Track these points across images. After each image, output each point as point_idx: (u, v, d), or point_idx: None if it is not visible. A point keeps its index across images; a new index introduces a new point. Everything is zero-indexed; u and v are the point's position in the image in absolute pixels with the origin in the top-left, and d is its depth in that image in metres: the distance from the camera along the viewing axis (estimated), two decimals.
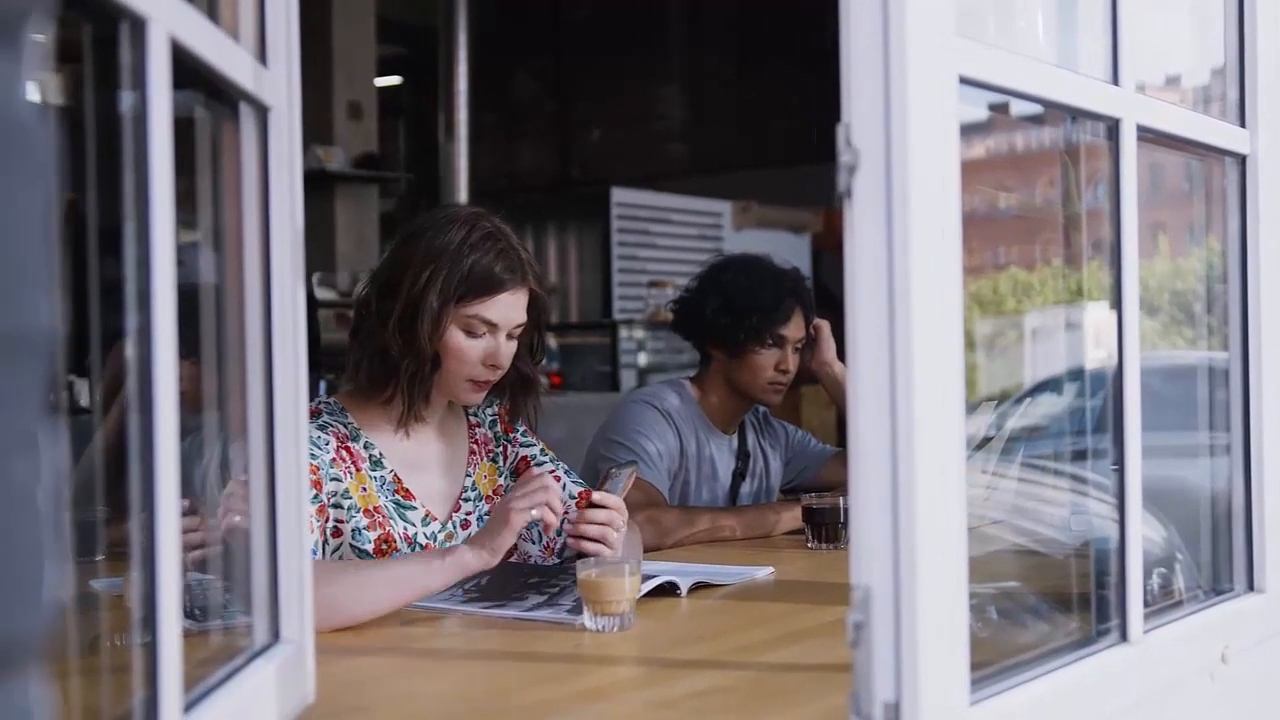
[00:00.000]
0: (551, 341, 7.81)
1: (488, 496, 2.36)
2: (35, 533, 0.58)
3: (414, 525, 2.22)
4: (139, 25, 1.00)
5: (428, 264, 2.17)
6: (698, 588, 2.17)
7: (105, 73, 1.04)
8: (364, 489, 2.18)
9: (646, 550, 2.67)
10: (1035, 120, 1.75)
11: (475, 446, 2.38)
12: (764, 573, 2.35)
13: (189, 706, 1.10)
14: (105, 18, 0.99)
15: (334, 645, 1.73)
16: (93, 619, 1.37)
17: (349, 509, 2.15)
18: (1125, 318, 1.53)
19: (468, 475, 2.35)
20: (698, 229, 8.44)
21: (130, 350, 1.02)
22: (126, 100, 1.03)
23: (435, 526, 2.26)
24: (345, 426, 2.22)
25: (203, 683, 1.19)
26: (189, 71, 1.12)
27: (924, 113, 1.18)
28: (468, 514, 2.32)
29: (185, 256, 1.10)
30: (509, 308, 2.21)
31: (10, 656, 0.57)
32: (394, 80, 10.16)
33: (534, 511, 2.00)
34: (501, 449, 2.42)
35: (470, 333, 2.19)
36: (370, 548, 2.15)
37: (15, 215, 0.57)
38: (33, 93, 0.60)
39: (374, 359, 2.21)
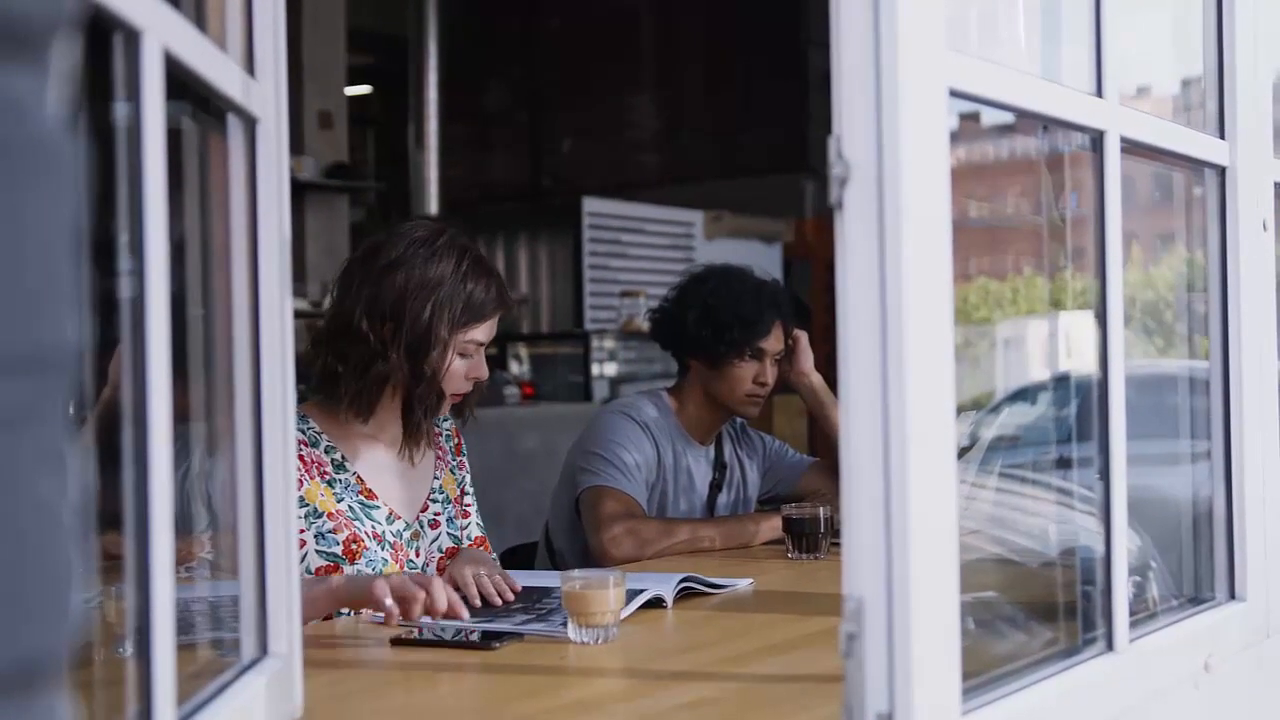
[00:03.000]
0: (523, 351, 7.81)
1: (454, 500, 2.44)
2: (63, 550, 0.58)
3: (380, 523, 2.28)
4: (133, 37, 1.00)
5: (427, 295, 2.23)
6: (683, 596, 2.18)
7: (96, 83, 1.03)
8: (323, 494, 2.23)
9: (626, 561, 2.67)
10: (1007, 130, 1.76)
11: (440, 452, 2.46)
12: (744, 584, 2.36)
13: None
14: (98, 29, 0.99)
15: (321, 660, 1.72)
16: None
17: (307, 515, 2.19)
18: (1110, 327, 1.54)
19: (435, 478, 2.42)
20: (670, 239, 8.44)
21: (125, 360, 1.01)
22: (119, 111, 1.02)
23: (400, 525, 2.32)
24: (304, 433, 2.25)
25: (193, 697, 1.18)
26: (177, 82, 1.12)
27: (915, 125, 1.18)
28: (436, 514, 2.40)
29: (171, 268, 1.09)
30: (494, 326, 2.34)
31: (41, 673, 0.56)
32: (364, 89, 10.14)
33: (388, 601, 1.90)
34: (458, 462, 2.51)
35: (463, 355, 2.29)
36: (339, 549, 2.21)
37: (43, 231, 0.56)
38: (59, 107, 0.60)
39: (374, 386, 2.25)
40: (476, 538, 2.44)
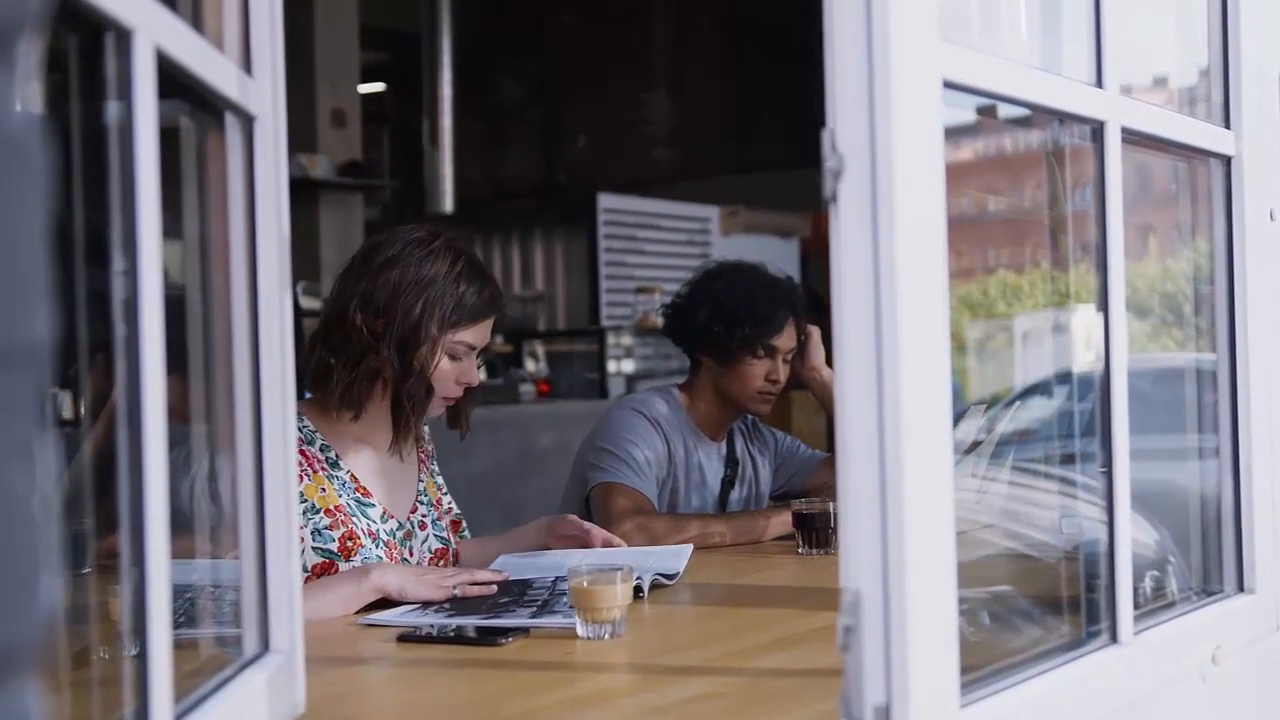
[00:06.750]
0: (538, 349, 7.81)
1: (435, 504, 2.47)
2: (32, 542, 0.58)
3: (374, 522, 2.31)
4: (125, 36, 1.00)
5: (419, 292, 2.26)
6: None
7: (89, 82, 1.04)
8: (323, 490, 2.26)
9: None
10: (1023, 123, 1.75)
11: (423, 457, 2.50)
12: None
13: (179, 717, 1.10)
14: (90, 28, 0.99)
15: (324, 656, 1.72)
16: (75, 632, 1.36)
17: (305, 512, 2.22)
18: (1112, 319, 1.54)
19: (420, 480, 2.46)
20: (685, 234, 8.44)
21: (119, 362, 1.02)
22: (112, 110, 1.02)
23: (393, 525, 2.35)
24: (300, 431, 2.27)
25: (193, 693, 1.18)
26: (173, 81, 1.12)
27: (908, 117, 1.18)
28: (423, 516, 2.43)
29: (169, 268, 1.10)
30: (487, 331, 2.36)
31: (8, 664, 0.57)
32: (378, 87, 10.15)
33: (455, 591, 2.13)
34: (435, 469, 2.54)
35: (453, 357, 2.32)
36: (335, 546, 2.23)
37: (12, 228, 0.57)
38: (26, 104, 0.60)
39: (364, 380, 2.27)
40: (438, 549, 2.44)
